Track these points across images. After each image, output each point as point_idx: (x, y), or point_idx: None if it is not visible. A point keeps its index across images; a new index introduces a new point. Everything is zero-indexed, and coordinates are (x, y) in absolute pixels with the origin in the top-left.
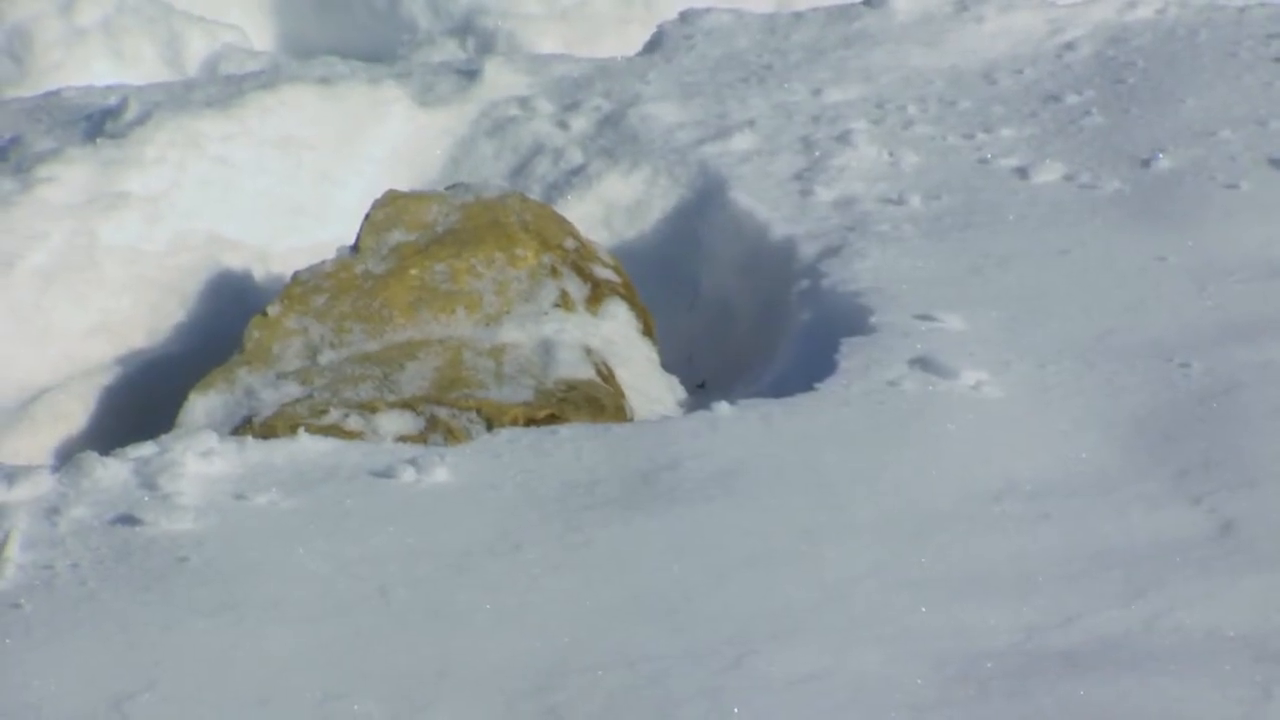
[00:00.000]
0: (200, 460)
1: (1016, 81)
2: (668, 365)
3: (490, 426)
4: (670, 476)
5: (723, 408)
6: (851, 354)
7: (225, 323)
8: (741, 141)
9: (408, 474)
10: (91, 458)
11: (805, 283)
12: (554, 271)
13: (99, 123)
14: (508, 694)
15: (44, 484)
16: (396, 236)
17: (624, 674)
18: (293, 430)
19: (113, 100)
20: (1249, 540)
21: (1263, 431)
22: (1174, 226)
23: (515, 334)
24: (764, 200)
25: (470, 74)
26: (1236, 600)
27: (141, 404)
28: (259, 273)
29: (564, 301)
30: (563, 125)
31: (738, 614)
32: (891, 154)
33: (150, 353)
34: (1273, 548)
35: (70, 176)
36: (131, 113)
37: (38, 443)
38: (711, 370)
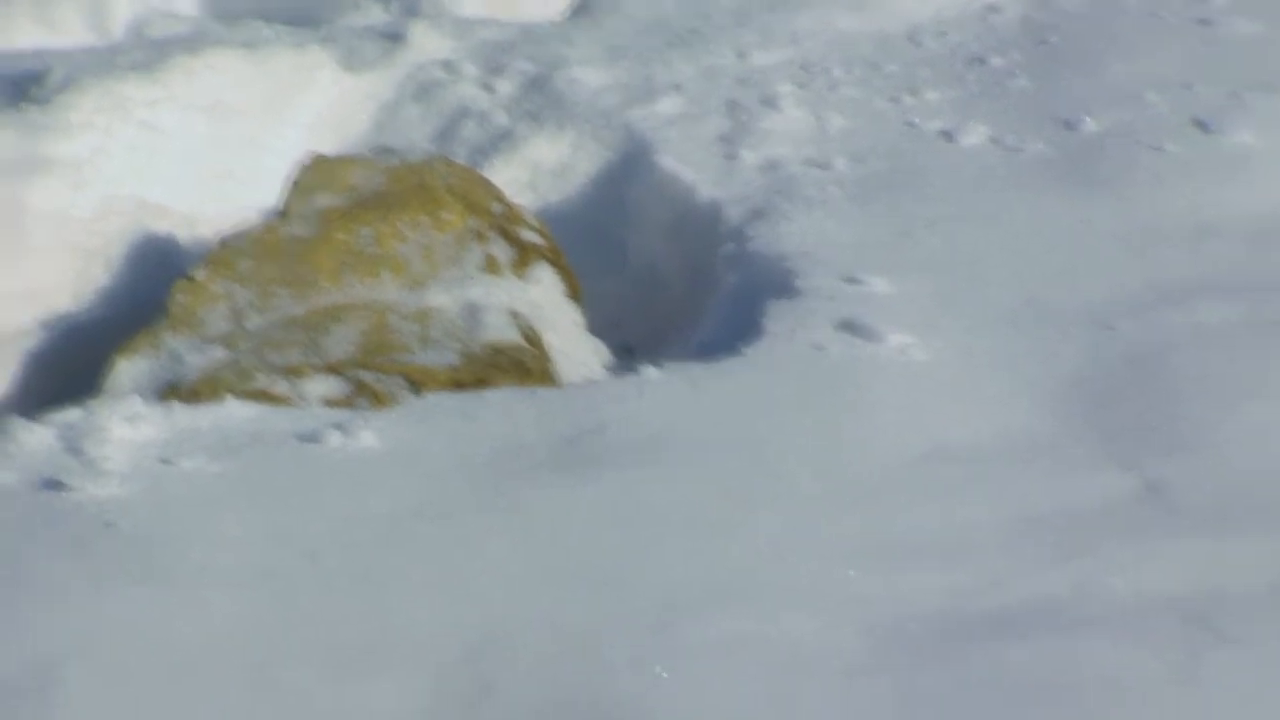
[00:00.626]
0: (126, 425)
1: (942, 44)
2: (594, 329)
3: (417, 391)
4: (598, 441)
5: (650, 372)
6: (778, 317)
7: (151, 288)
8: (667, 105)
9: (334, 439)
10: (16, 422)
11: (731, 246)
12: (480, 235)
13: (24, 88)
14: (439, 663)
15: None
16: (322, 200)
17: (554, 641)
18: (219, 395)
19: (37, 65)
20: (1178, 503)
21: (1192, 394)
22: (1101, 190)
23: (441, 298)
24: (690, 164)
25: (395, 38)
26: (1166, 564)
27: (67, 369)
28: (185, 237)
29: (490, 265)
30: (488, 89)
31: (667, 580)
32: (817, 117)
33: (76, 318)
34: (1202, 511)
35: None
36: (56, 78)
37: None
38: (638, 334)
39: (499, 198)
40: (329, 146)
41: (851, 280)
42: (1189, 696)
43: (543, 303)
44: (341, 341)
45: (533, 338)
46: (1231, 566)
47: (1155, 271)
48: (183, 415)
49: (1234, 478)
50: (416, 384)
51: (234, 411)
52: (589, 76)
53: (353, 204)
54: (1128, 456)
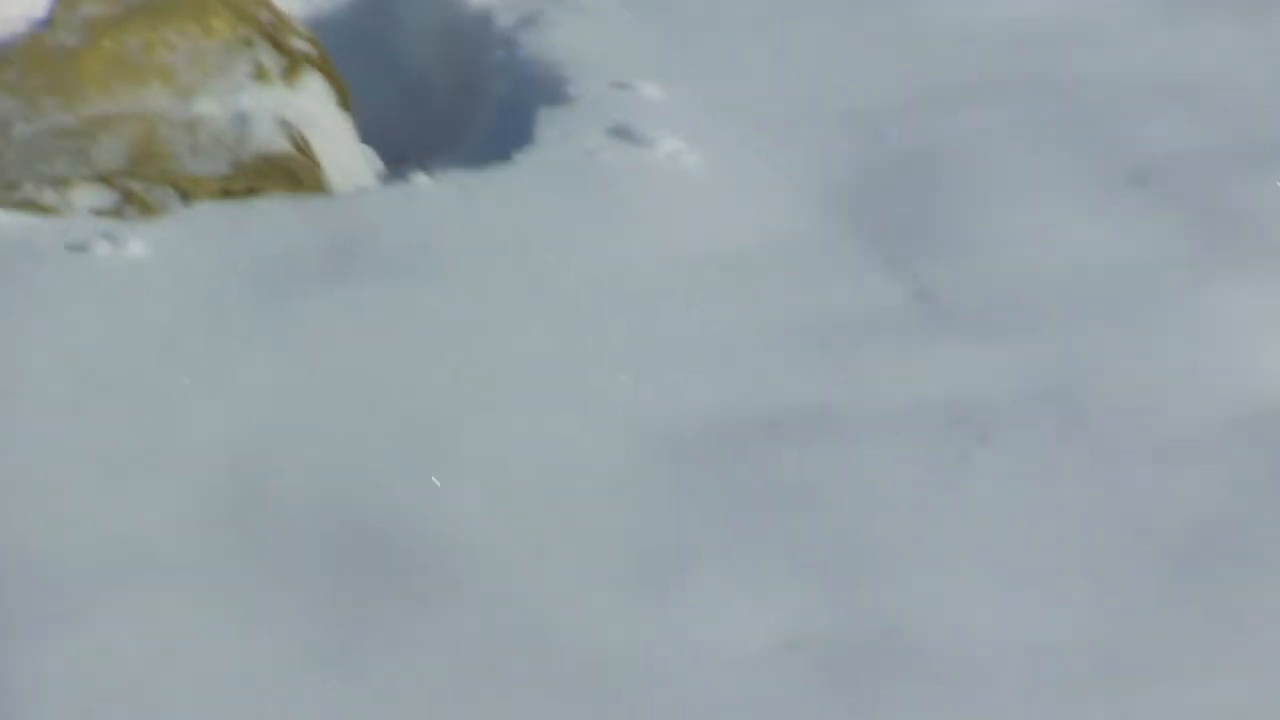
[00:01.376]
0: None
1: None
2: (365, 138)
3: (186, 200)
4: (370, 250)
5: (420, 179)
6: (548, 124)
7: None
8: None
9: (103, 248)
10: None
11: (501, 53)
12: (249, 44)
13: None
14: (208, 473)
15: None
16: (89, 9)
17: (323, 451)
18: None
19: None
20: (945, 307)
21: (958, 198)
22: None
23: (210, 107)
24: None
25: None
26: (934, 367)
27: None
28: None
29: (259, 74)
30: None
31: (438, 388)
32: None
33: None
34: (969, 314)
35: None
36: None
37: None
38: (410, 143)
39: (268, 6)
40: None
41: (622, 86)
42: (957, 498)
43: (313, 111)
44: (110, 151)
45: (303, 146)
46: (998, 369)
47: (922, 76)
48: None
49: (999, 280)
50: (186, 193)
51: (1, 221)
52: None
53: (121, 12)
54: (895, 261)
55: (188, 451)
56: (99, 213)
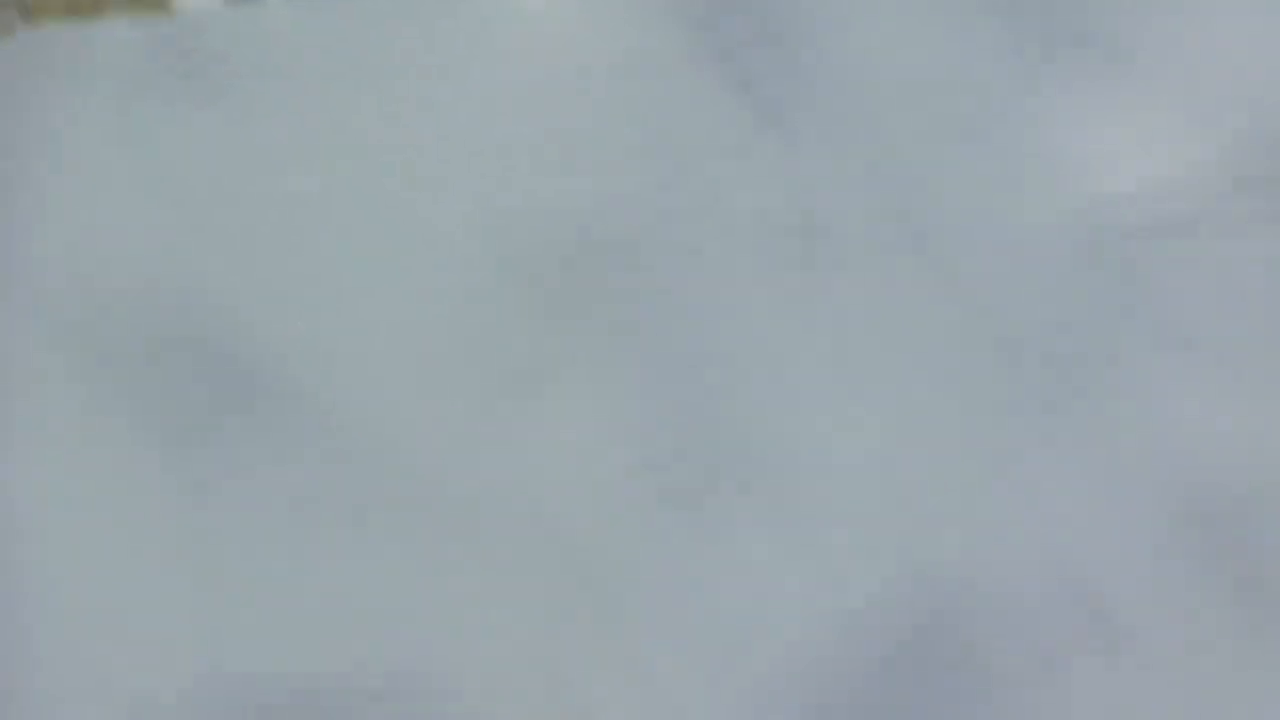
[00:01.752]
0: None
1: None
2: None
3: (29, 18)
4: (220, 68)
5: None
6: None
7: None
8: None
9: None
10: None
11: None
12: None
13: None
14: (55, 290)
15: None
16: None
17: (169, 271)
18: None
19: None
20: (789, 121)
21: (804, 11)
22: None
23: None
24: None
25: None
26: (779, 180)
27: None
28: None
29: None
30: None
31: (287, 205)
32: None
33: None
34: (812, 127)
35: None
36: None
37: None
38: None
39: None
40: None
41: None
42: (802, 318)
43: None
44: None
45: None
46: (841, 186)
47: None
48: None
49: (841, 94)
50: (29, 10)
51: None
52: None
53: None
54: (741, 74)
55: (28, 274)
56: None
